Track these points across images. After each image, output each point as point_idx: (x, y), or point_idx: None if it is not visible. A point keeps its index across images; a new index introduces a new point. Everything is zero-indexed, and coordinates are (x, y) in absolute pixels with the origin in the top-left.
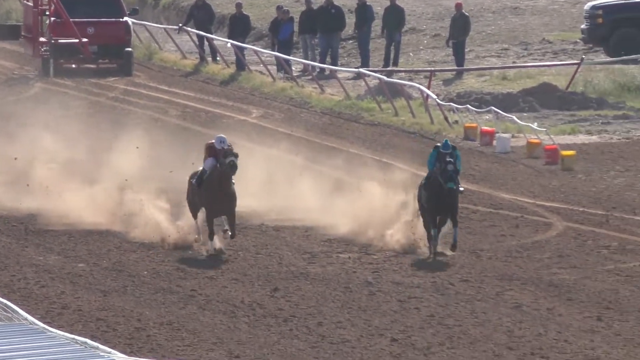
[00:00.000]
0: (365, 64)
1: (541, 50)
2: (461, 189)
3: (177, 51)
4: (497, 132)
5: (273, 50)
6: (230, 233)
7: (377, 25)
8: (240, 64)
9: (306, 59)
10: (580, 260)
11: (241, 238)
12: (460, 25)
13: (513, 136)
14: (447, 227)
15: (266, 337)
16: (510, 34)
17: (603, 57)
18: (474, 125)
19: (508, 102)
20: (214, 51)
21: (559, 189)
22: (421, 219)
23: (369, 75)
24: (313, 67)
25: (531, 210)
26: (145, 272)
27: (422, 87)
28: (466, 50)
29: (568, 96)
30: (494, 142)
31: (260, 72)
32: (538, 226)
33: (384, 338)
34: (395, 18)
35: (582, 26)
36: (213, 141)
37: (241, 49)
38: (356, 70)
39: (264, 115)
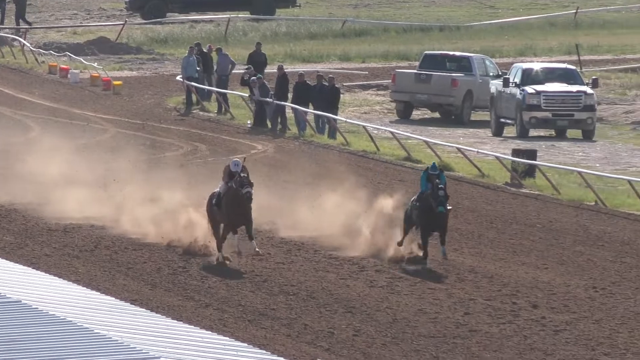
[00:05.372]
0: None
1: (99, 14)
2: (449, 207)
3: None
4: (71, 69)
5: None
6: (256, 248)
7: None
8: None
9: None
10: (131, 152)
11: None
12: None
13: (81, 72)
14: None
15: None
16: (78, 4)
17: (140, 20)
18: (55, 64)
19: (78, 49)
20: None
21: (112, 106)
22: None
23: None
24: None
25: (94, 120)
26: None
27: (20, 39)
28: (47, 13)
29: (117, 45)
30: (69, 76)
31: None
32: (99, 131)
33: None
34: None
35: None
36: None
37: None
38: None
39: None
